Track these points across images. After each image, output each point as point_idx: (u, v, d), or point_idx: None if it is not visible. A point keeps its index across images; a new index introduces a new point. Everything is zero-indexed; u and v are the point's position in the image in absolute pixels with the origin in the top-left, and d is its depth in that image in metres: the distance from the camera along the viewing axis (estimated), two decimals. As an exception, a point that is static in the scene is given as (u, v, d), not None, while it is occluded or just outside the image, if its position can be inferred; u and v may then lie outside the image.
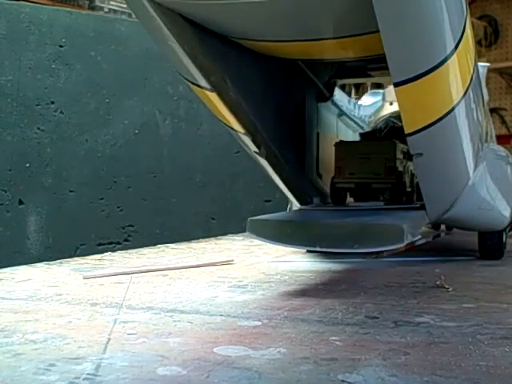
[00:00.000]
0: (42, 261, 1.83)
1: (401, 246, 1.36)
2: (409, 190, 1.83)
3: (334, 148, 1.74)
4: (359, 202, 1.79)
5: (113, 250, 2.06)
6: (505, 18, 4.82)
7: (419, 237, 1.49)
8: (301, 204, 1.70)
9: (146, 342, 0.97)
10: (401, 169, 1.76)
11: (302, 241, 1.41)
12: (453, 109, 1.25)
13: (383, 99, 2.49)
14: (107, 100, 2.07)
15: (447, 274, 1.56)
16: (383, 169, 1.71)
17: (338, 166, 1.74)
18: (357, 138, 2.12)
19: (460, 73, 1.23)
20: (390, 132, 2.01)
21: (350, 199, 1.84)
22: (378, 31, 1.04)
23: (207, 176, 2.47)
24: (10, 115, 1.79)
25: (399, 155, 1.76)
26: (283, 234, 1.41)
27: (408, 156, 1.78)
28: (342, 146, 1.77)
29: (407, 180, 1.83)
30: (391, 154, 1.72)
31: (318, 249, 1.46)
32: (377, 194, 1.75)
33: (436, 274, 1.61)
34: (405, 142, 1.74)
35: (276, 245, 1.50)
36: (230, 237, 2.51)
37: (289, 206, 1.97)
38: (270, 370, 0.83)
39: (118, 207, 2.10)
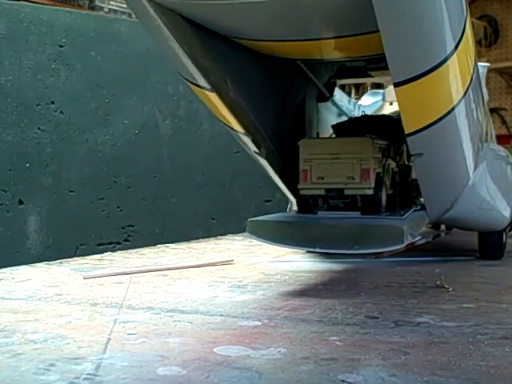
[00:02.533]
0: (42, 261, 1.83)
1: (401, 246, 1.36)
2: (390, 192, 1.62)
3: (299, 148, 1.54)
4: (332, 210, 1.53)
5: (113, 250, 2.06)
6: (505, 18, 4.82)
7: (419, 237, 1.49)
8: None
9: (145, 342, 0.97)
10: (379, 170, 1.54)
11: (302, 242, 1.41)
12: (453, 109, 1.25)
13: (383, 99, 2.49)
14: (107, 100, 2.07)
15: (447, 274, 1.56)
16: (358, 171, 1.47)
17: (304, 169, 1.51)
18: None
19: (460, 73, 1.23)
20: (366, 124, 1.72)
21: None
22: (378, 31, 1.04)
23: (207, 176, 2.47)
24: (10, 115, 1.79)
25: (377, 154, 1.53)
26: (283, 234, 1.41)
27: (387, 153, 1.61)
28: (307, 144, 1.54)
29: (388, 182, 1.61)
30: (367, 153, 1.48)
31: (317, 250, 1.46)
32: (351, 201, 1.51)
33: (436, 273, 1.61)
34: (384, 136, 1.57)
35: (276, 246, 1.50)
36: (229, 237, 2.51)
37: (289, 206, 1.97)
38: (270, 370, 0.83)
39: (118, 207, 2.10)
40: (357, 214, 1.47)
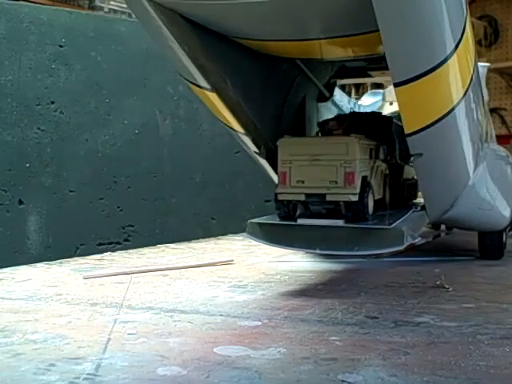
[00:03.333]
0: (42, 261, 1.83)
1: (401, 248, 1.36)
2: (378, 197, 1.49)
3: (277, 148, 1.43)
4: (313, 217, 1.40)
5: (113, 250, 2.06)
6: (505, 18, 4.81)
7: (419, 238, 1.48)
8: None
9: (145, 342, 0.97)
10: (366, 173, 1.40)
11: (302, 243, 1.41)
12: (453, 109, 1.25)
13: (383, 99, 2.49)
14: (107, 100, 2.07)
15: (447, 274, 1.56)
16: (341, 175, 1.34)
17: (283, 172, 1.39)
18: None
19: (460, 73, 1.23)
20: (353, 121, 1.56)
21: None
22: (378, 30, 1.04)
23: (207, 176, 2.47)
24: (10, 115, 1.79)
25: (363, 155, 1.40)
26: (283, 236, 1.40)
27: (376, 154, 1.48)
28: (286, 144, 1.41)
29: (376, 185, 1.47)
30: (352, 155, 1.35)
31: (317, 251, 1.45)
32: (334, 207, 1.37)
33: (436, 273, 1.61)
34: (372, 135, 1.48)
35: (275, 247, 1.50)
36: (230, 237, 2.51)
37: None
38: (270, 370, 0.83)
39: (118, 207, 2.09)
40: (340, 222, 1.36)
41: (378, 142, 1.49)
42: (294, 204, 1.42)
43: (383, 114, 1.87)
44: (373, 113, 1.76)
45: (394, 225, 1.33)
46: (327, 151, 1.37)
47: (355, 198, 1.34)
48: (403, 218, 1.42)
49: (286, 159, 1.40)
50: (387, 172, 1.58)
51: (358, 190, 1.34)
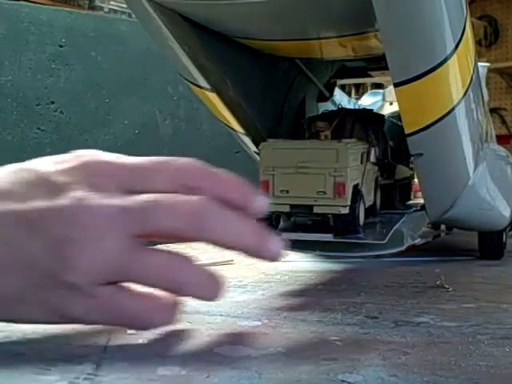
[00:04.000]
0: (41, 261, 1.83)
1: (401, 249, 1.36)
2: (369, 204, 1.36)
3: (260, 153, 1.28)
4: (298, 231, 1.28)
5: (113, 250, 2.06)
6: (505, 18, 4.81)
7: (419, 239, 1.47)
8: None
9: (146, 342, 0.97)
10: (357, 181, 1.27)
11: (302, 244, 1.41)
12: (453, 109, 1.24)
13: (383, 99, 2.49)
14: (107, 100, 2.07)
15: (447, 274, 1.55)
16: (331, 185, 1.20)
17: (265, 180, 1.25)
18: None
19: (460, 73, 1.23)
20: (343, 121, 1.40)
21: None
22: (377, 30, 1.04)
23: (207, 176, 2.47)
24: (10, 115, 1.79)
25: (355, 161, 1.26)
26: (282, 237, 1.39)
27: (367, 157, 1.35)
28: (270, 148, 1.27)
29: (367, 192, 1.34)
30: (342, 163, 1.20)
31: (317, 253, 1.45)
32: (322, 218, 1.25)
33: (436, 273, 1.61)
34: (362, 136, 1.37)
35: None
36: (229, 237, 2.50)
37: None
38: (270, 370, 0.83)
39: (118, 207, 2.09)
40: (329, 236, 1.24)
41: (370, 142, 1.38)
42: (277, 214, 1.29)
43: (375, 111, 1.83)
44: (363, 110, 1.70)
45: (387, 238, 1.24)
46: (315, 158, 1.22)
47: (345, 211, 1.22)
48: (396, 227, 1.33)
49: (268, 166, 1.26)
50: (378, 174, 1.46)
51: (348, 202, 1.22)
